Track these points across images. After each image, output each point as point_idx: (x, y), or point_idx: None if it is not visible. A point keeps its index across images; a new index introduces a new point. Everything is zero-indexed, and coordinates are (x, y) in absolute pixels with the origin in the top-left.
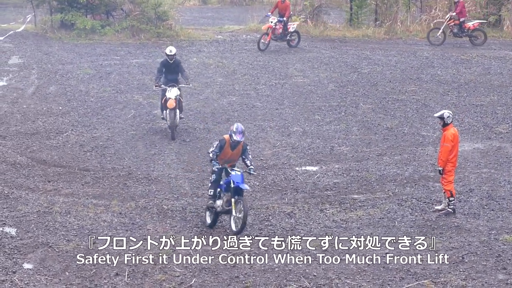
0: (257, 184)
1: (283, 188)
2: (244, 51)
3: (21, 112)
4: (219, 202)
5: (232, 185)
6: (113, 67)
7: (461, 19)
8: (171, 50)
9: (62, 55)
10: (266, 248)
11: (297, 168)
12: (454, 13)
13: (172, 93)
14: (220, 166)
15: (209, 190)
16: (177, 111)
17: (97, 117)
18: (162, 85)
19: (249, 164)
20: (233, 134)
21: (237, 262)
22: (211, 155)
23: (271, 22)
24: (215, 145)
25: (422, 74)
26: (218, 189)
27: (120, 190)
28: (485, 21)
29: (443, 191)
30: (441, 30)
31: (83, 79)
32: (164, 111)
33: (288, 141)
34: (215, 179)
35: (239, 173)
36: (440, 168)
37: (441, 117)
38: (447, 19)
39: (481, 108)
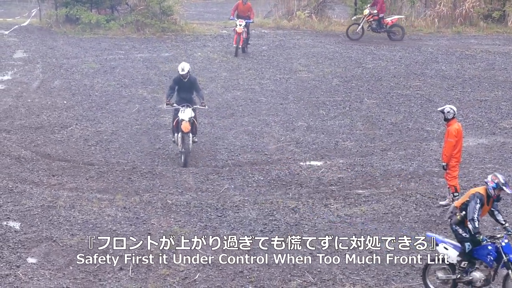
0: (262, 179)
1: (287, 183)
2: (248, 45)
3: (25, 106)
4: (478, 275)
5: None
6: (117, 62)
7: (380, 15)
8: (183, 68)
9: (67, 50)
10: (270, 246)
11: (302, 163)
12: (376, 11)
13: (186, 114)
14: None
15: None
16: (191, 134)
17: (101, 112)
18: (175, 104)
19: None
20: None
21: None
22: None
23: (240, 25)
24: None
25: (427, 69)
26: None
27: (124, 185)
28: (403, 16)
29: (448, 186)
30: (360, 26)
31: (88, 73)
32: (176, 134)
33: (293, 136)
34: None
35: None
36: (444, 164)
37: (442, 112)
38: (367, 15)
39: (485, 103)
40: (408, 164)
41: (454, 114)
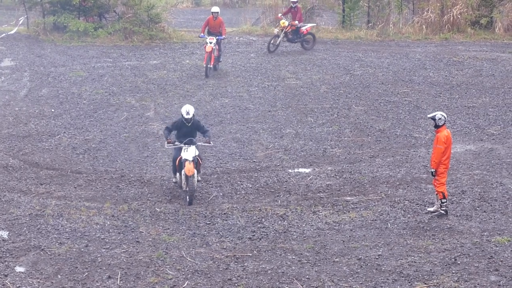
0: (250, 186)
1: (276, 190)
2: (236, 53)
3: (13, 114)
4: None
5: None
6: (105, 70)
7: (298, 25)
8: (188, 111)
9: (55, 58)
10: (259, 253)
11: (290, 170)
12: (297, 21)
13: (190, 153)
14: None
15: None
16: (196, 173)
17: (89, 120)
18: (177, 142)
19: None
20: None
21: (230, 265)
22: None
23: (210, 43)
24: None
25: (414, 76)
26: None
27: (112, 193)
28: (315, 24)
29: (436, 192)
30: (281, 37)
31: (76, 81)
32: (178, 174)
33: (281, 143)
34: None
35: None
36: (432, 170)
37: (433, 119)
38: (288, 26)
39: (473, 109)
40: (396, 171)
41: (445, 121)
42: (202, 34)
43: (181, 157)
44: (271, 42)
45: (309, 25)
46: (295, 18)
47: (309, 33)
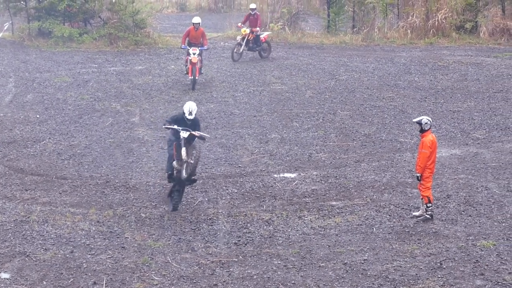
0: (235, 191)
1: (261, 195)
2: (222, 58)
3: None
4: None
5: None
6: (91, 75)
7: (259, 32)
8: (191, 111)
9: (40, 63)
10: (244, 258)
11: (275, 175)
12: (258, 28)
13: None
14: None
15: None
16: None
17: (74, 125)
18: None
19: None
20: None
21: (216, 270)
22: None
23: (194, 54)
24: None
25: (400, 81)
26: None
27: (98, 199)
28: (270, 32)
29: (421, 197)
30: (243, 45)
31: (61, 87)
32: (175, 162)
33: (266, 148)
34: None
35: None
36: (418, 175)
37: (419, 123)
38: (249, 33)
39: (458, 114)
40: (382, 175)
41: (431, 126)
42: (183, 45)
43: (177, 143)
44: (235, 51)
45: (266, 33)
46: (255, 25)
47: (266, 42)
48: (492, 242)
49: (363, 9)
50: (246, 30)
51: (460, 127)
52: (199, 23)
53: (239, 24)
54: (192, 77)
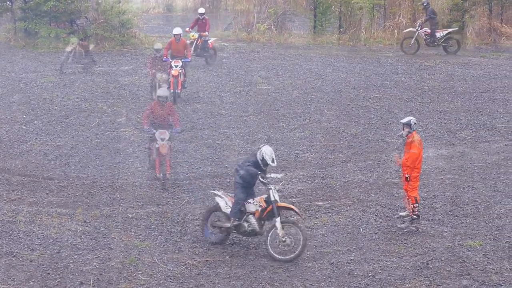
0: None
1: None
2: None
3: None
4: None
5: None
6: (77, 75)
7: (207, 38)
8: (273, 157)
9: (26, 64)
10: (231, 258)
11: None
12: (207, 32)
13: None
14: None
15: None
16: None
17: (61, 126)
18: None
19: None
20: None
21: (202, 270)
22: None
23: (175, 66)
24: None
25: (386, 81)
26: None
27: (84, 199)
28: (216, 38)
29: (407, 197)
30: (192, 49)
31: (47, 87)
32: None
33: (253, 148)
34: None
35: None
36: (407, 175)
37: (409, 124)
38: (198, 38)
39: (444, 114)
40: (368, 175)
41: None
42: (165, 58)
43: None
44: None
45: (213, 39)
46: (204, 30)
47: (212, 48)
48: (479, 242)
49: (350, 9)
50: (194, 35)
51: (446, 127)
52: (180, 34)
53: (187, 29)
54: (173, 90)
